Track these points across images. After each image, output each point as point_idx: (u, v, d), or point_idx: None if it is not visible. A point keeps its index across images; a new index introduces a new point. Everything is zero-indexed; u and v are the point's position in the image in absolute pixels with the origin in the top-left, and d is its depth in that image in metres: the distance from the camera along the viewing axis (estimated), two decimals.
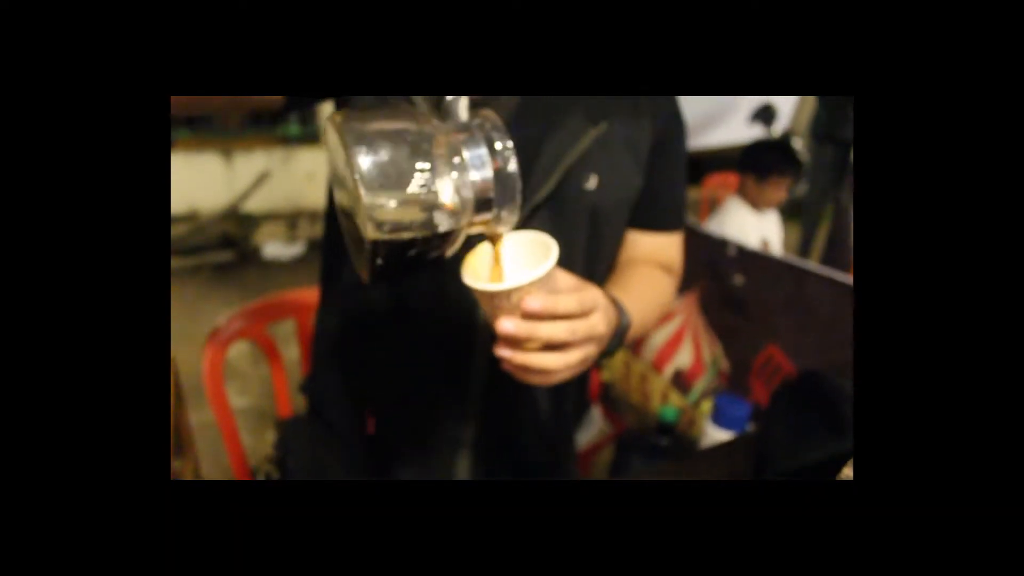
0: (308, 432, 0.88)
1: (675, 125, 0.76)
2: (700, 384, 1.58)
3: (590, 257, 0.73)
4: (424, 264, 0.42)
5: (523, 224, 0.66)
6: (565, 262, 0.69)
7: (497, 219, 0.45)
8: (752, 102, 2.88)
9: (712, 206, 2.82)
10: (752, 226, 2.10)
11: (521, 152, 0.67)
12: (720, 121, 2.96)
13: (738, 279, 1.40)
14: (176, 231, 3.50)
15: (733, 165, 2.24)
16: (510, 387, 0.75)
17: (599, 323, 0.52)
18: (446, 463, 0.77)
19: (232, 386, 2.35)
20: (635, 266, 0.77)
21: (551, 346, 0.50)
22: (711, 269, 1.50)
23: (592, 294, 0.52)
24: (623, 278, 0.74)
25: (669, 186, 0.77)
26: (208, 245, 3.52)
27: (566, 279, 0.53)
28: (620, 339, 0.61)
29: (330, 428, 0.83)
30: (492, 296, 0.46)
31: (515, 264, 0.52)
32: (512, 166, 0.43)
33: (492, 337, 0.70)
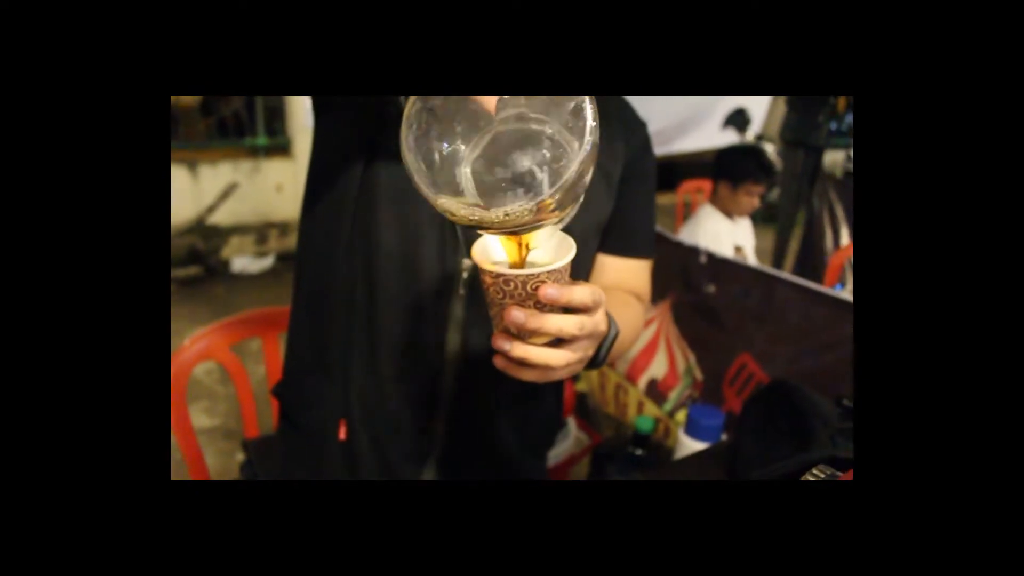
0: (279, 446, 0.85)
1: (645, 153, 0.77)
2: (675, 394, 1.57)
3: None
4: None
5: None
6: None
7: (562, 216, 0.45)
8: (726, 106, 2.91)
9: (687, 212, 2.84)
10: (726, 233, 2.11)
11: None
12: (694, 125, 2.99)
13: (710, 287, 1.40)
14: None
15: (708, 171, 2.25)
16: (477, 401, 0.74)
17: (602, 321, 0.51)
18: (413, 475, 0.76)
19: (199, 405, 2.28)
20: (607, 291, 0.77)
21: (553, 342, 0.49)
22: (683, 277, 1.49)
23: (600, 290, 0.51)
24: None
25: (639, 213, 0.78)
26: (175, 260, 3.44)
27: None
28: (608, 348, 0.60)
29: (300, 434, 0.80)
30: (508, 282, 0.45)
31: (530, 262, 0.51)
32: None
33: (464, 350, 0.70)
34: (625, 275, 0.79)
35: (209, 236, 3.65)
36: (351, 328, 0.72)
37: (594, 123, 0.40)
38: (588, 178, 0.43)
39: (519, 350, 0.48)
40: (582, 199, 0.45)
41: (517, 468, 0.82)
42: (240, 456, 1.24)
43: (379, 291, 0.70)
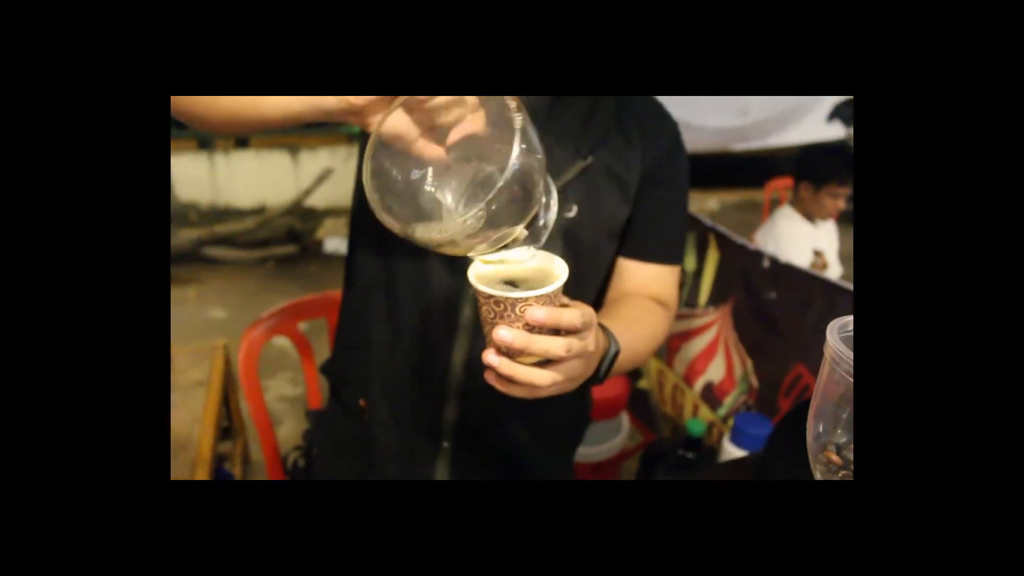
0: (328, 419, 0.93)
1: (672, 157, 0.76)
2: (730, 399, 1.54)
3: (572, 289, 0.73)
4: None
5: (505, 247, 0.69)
6: None
7: (517, 229, 0.48)
8: (833, 98, 2.74)
9: (774, 210, 2.71)
10: (805, 237, 2.01)
11: None
12: (796, 118, 2.84)
13: (771, 293, 1.36)
14: (245, 225, 3.70)
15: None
16: (484, 400, 0.76)
17: (593, 342, 0.52)
18: (427, 462, 0.80)
19: (285, 376, 2.47)
20: (627, 298, 0.77)
21: (542, 361, 0.50)
22: (745, 282, 1.45)
23: (591, 313, 0.52)
24: (614, 309, 0.74)
25: (663, 218, 0.78)
26: (274, 238, 3.71)
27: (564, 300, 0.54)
28: (609, 366, 0.61)
29: (339, 408, 0.88)
30: (498, 303, 0.47)
31: (522, 278, 0.53)
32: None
33: (471, 354, 0.73)
34: (648, 281, 0.79)
35: (306, 217, 3.91)
36: (373, 309, 0.78)
37: (520, 126, 0.42)
38: (537, 184, 0.44)
39: (506, 368, 0.49)
40: (540, 211, 0.47)
41: (529, 464, 0.85)
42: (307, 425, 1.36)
43: (399, 290, 0.75)
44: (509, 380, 0.50)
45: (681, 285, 1.70)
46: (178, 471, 1.23)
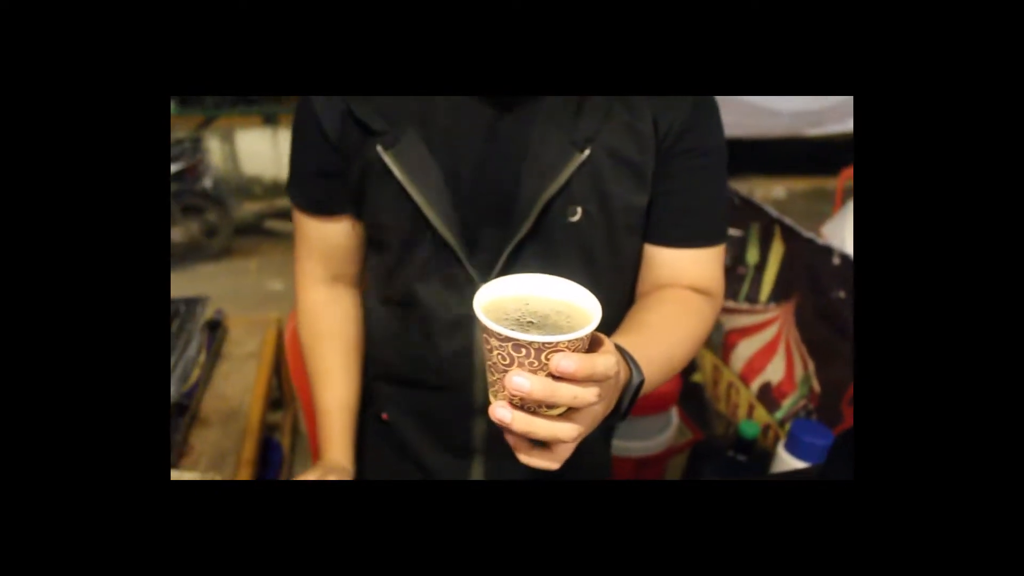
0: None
1: (699, 117, 0.65)
2: (789, 402, 1.46)
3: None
4: None
5: (508, 262, 0.64)
6: None
7: None
8: None
9: (847, 201, 2.56)
10: None
11: (499, 187, 0.63)
12: None
13: (840, 292, 1.27)
14: None
15: None
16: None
17: (616, 379, 0.46)
18: (461, 468, 0.78)
19: None
20: (658, 297, 0.68)
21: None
22: (811, 278, 1.36)
23: (613, 351, 0.45)
24: (641, 316, 0.65)
25: (694, 192, 0.67)
26: None
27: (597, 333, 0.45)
28: (632, 398, 0.53)
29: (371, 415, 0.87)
30: (519, 347, 0.39)
31: (540, 314, 0.45)
32: None
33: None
34: (684, 268, 0.68)
35: None
36: (393, 318, 0.75)
37: None
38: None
39: (522, 424, 0.41)
40: None
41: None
42: None
43: (416, 312, 0.70)
44: (526, 436, 0.43)
45: (742, 278, 1.62)
46: (229, 439, 1.26)
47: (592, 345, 0.44)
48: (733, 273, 1.64)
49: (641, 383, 0.53)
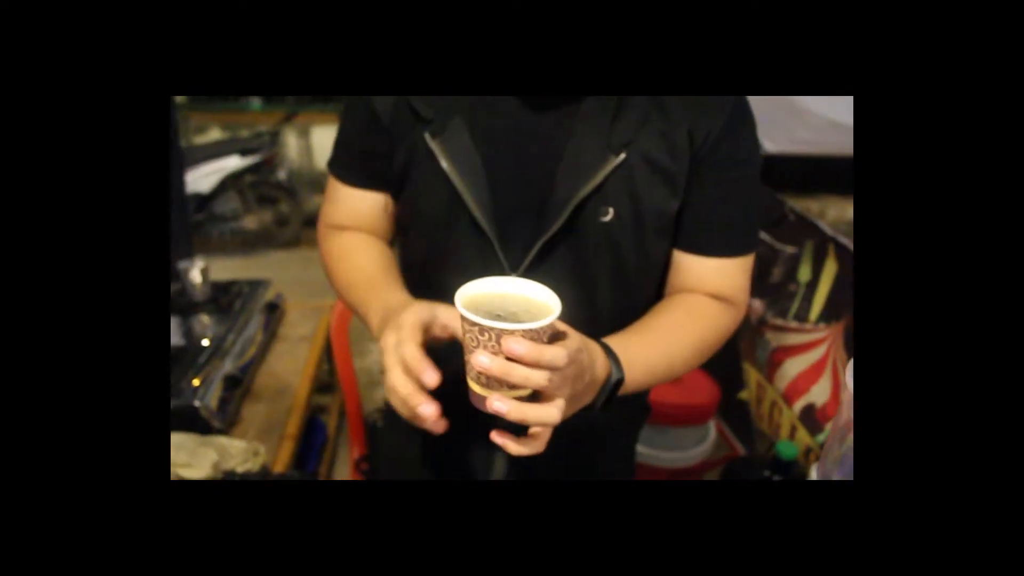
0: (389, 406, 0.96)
1: (734, 129, 0.66)
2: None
3: (617, 290, 0.70)
4: None
5: (539, 259, 0.66)
6: (588, 297, 0.68)
7: None
8: None
9: None
10: None
11: (535, 184, 0.66)
12: None
13: None
14: None
15: None
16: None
17: (575, 373, 0.51)
18: (484, 459, 0.79)
19: None
20: (673, 301, 0.70)
21: (531, 396, 0.50)
22: None
23: (579, 347, 0.51)
24: (646, 320, 0.68)
25: (725, 203, 0.68)
26: None
27: (565, 327, 0.52)
28: (610, 394, 0.58)
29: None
30: (483, 331, 0.47)
31: (514, 311, 0.52)
32: None
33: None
34: (706, 276, 0.70)
35: None
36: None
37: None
38: None
39: (516, 411, 0.48)
40: None
41: (589, 457, 0.83)
42: None
43: (450, 296, 0.73)
44: (519, 422, 0.49)
45: (793, 296, 1.58)
46: (277, 414, 1.34)
47: (555, 339, 0.51)
48: (784, 290, 1.61)
49: (619, 381, 0.58)
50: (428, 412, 0.52)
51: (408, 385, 0.52)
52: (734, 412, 1.83)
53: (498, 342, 0.47)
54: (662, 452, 1.56)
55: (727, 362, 1.87)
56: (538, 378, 0.47)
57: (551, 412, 0.49)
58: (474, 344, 0.48)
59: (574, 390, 0.52)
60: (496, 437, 0.52)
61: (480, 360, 0.47)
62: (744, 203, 0.69)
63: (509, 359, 0.47)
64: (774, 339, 1.64)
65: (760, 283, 1.73)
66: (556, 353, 0.48)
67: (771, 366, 1.67)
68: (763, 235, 1.74)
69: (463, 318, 0.48)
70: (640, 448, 1.62)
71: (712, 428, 1.65)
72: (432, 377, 0.51)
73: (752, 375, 1.75)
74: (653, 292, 0.74)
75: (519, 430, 0.52)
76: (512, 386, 0.48)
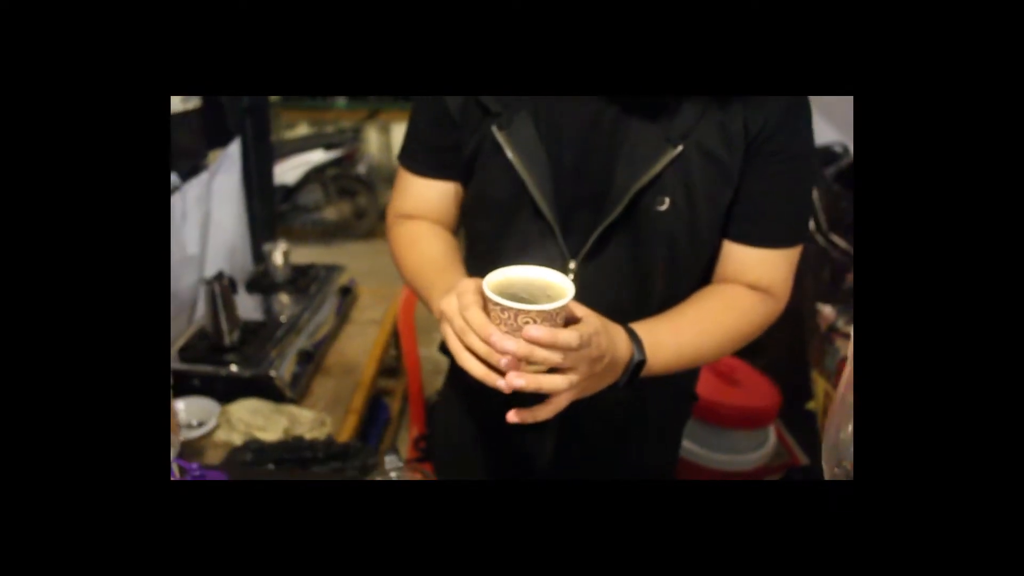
0: (445, 394, 0.99)
1: (789, 123, 0.67)
2: None
3: (670, 277, 0.72)
4: None
5: (598, 246, 0.70)
6: (642, 283, 0.71)
7: None
8: None
9: None
10: None
11: (596, 174, 0.69)
12: None
13: None
14: None
15: None
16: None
17: (602, 352, 0.56)
18: (533, 443, 0.82)
19: None
20: (709, 291, 0.73)
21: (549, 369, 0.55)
22: None
23: (595, 329, 0.56)
24: (680, 307, 0.72)
25: (774, 194, 0.69)
26: None
27: (585, 312, 0.57)
28: (631, 374, 0.62)
29: (454, 374, 0.94)
30: (504, 310, 0.53)
31: (535, 295, 0.58)
32: None
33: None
34: (749, 266, 0.71)
35: None
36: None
37: None
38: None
39: (532, 382, 0.53)
40: None
41: (634, 446, 0.84)
42: None
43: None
44: (536, 391, 0.53)
45: None
46: (344, 390, 1.43)
47: (571, 322, 0.57)
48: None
49: (641, 362, 0.62)
50: (507, 363, 0.54)
51: (482, 346, 0.55)
52: (800, 421, 1.77)
53: (516, 321, 0.52)
54: (716, 454, 1.54)
55: (795, 370, 1.81)
56: (554, 358, 0.52)
57: (559, 381, 0.54)
58: (497, 322, 0.54)
59: (592, 370, 0.56)
60: (512, 417, 0.57)
61: (498, 342, 0.52)
62: (794, 195, 0.70)
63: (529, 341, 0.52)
64: (844, 347, 1.59)
65: (833, 289, 1.67)
66: (569, 336, 0.52)
67: (839, 375, 1.61)
68: (838, 240, 1.68)
69: (487, 299, 0.54)
70: (693, 448, 1.61)
71: (772, 434, 1.61)
72: (501, 338, 0.54)
73: (820, 384, 1.69)
74: (702, 280, 0.75)
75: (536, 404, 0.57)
76: (530, 363, 0.54)
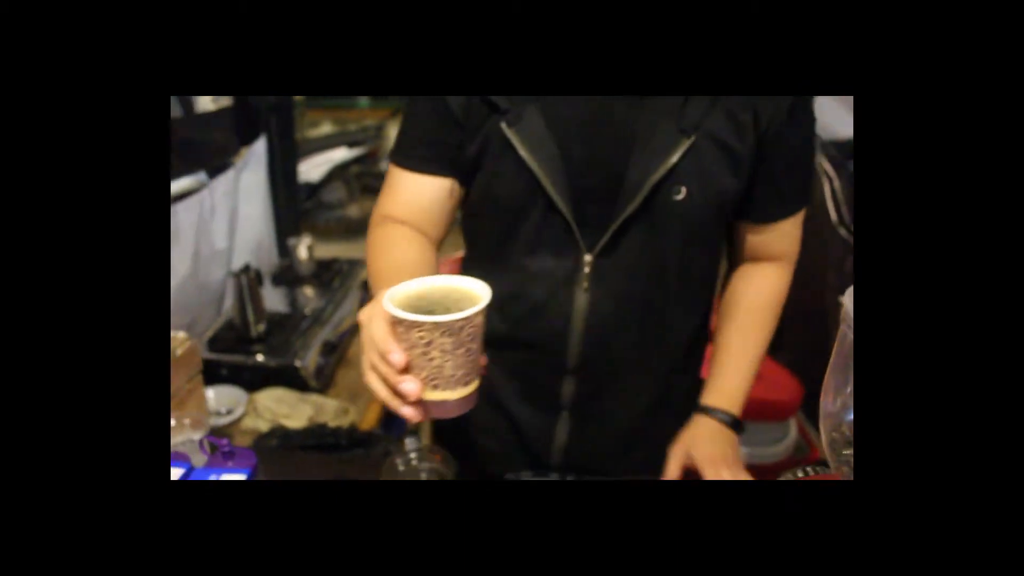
0: None
1: (796, 116, 0.72)
2: None
3: (684, 264, 0.74)
4: None
5: (615, 238, 0.70)
6: (659, 272, 0.73)
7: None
8: None
9: None
10: None
11: (609, 168, 0.70)
12: None
13: None
14: None
15: None
16: (606, 367, 0.78)
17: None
18: (546, 428, 0.83)
19: None
20: (734, 306, 0.81)
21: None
22: None
23: (691, 447, 0.73)
24: (722, 341, 0.81)
25: (788, 174, 0.74)
26: None
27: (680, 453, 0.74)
28: (735, 427, 0.75)
29: None
30: (399, 324, 0.49)
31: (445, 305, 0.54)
32: None
33: (593, 317, 0.74)
34: (769, 241, 0.79)
35: None
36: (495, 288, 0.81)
37: None
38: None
39: (405, 386, 0.51)
40: None
41: (648, 432, 0.85)
42: None
43: (513, 273, 0.76)
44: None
45: None
46: None
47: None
48: None
49: (732, 421, 0.78)
50: (410, 389, 0.51)
51: (383, 365, 0.52)
52: (804, 406, 1.75)
53: (409, 334, 0.49)
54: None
55: (818, 364, 1.80)
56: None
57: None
58: (398, 340, 0.51)
59: (724, 463, 0.71)
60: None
61: (393, 358, 0.50)
62: (805, 166, 0.77)
63: (424, 352, 0.50)
64: None
65: None
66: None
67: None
68: None
69: (388, 314, 0.50)
70: None
71: (793, 428, 1.61)
72: (399, 357, 0.51)
73: None
74: (716, 265, 0.80)
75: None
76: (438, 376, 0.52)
